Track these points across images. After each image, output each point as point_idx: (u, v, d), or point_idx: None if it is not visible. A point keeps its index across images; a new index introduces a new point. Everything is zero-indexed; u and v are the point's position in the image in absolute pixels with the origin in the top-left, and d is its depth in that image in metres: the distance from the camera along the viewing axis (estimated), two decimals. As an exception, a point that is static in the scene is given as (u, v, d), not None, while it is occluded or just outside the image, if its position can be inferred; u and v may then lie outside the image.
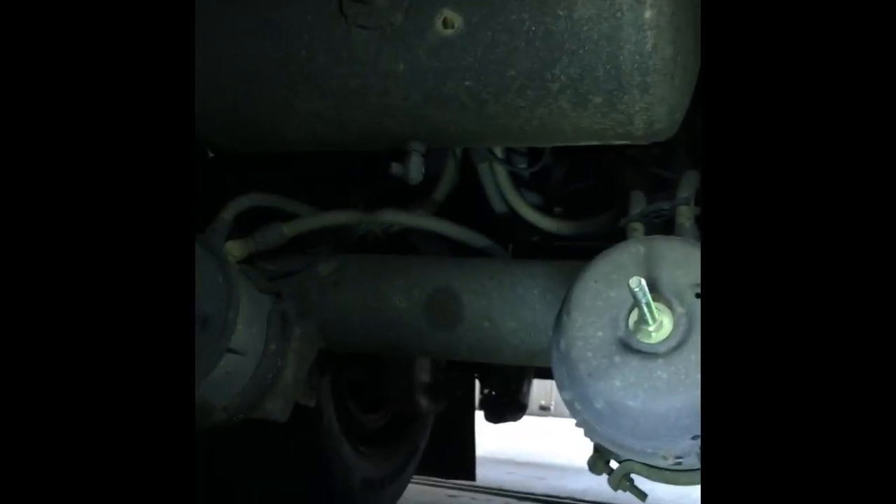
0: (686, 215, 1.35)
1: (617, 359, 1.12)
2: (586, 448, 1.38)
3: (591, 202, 1.97)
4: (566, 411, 1.25)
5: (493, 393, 2.87)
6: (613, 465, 1.34)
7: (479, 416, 3.38)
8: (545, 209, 1.94)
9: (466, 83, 1.28)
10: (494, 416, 2.85)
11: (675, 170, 1.67)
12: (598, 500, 4.29)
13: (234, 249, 1.59)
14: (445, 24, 1.25)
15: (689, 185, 1.41)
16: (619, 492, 1.35)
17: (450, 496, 4.13)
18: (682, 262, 1.15)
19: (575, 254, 1.59)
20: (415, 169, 1.42)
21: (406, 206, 1.85)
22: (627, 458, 1.28)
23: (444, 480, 4.05)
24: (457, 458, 3.45)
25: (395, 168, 1.43)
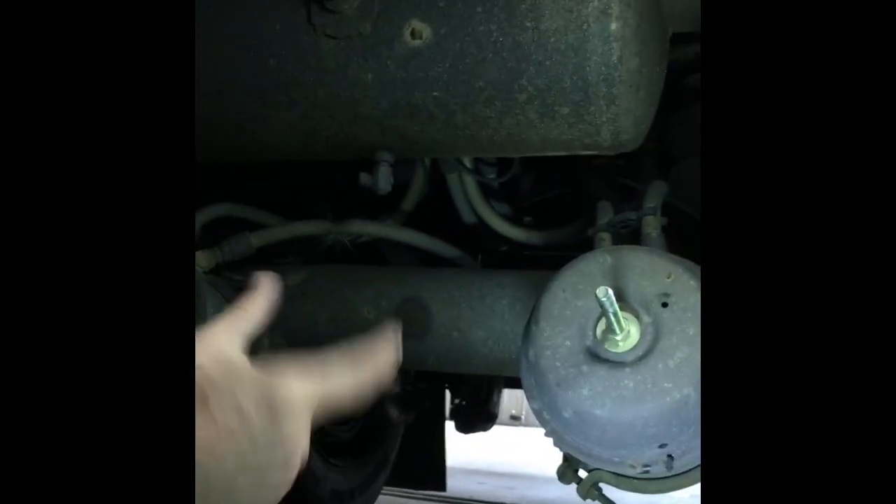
0: (653, 225, 1.36)
1: (585, 368, 1.13)
2: (556, 458, 1.38)
3: (559, 212, 1.99)
4: (537, 421, 1.25)
5: (464, 403, 2.87)
6: (582, 474, 1.35)
7: (450, 426, 3.38)
8: (514, 219, 1.95)
9: (435, 94, 1.28)
10: (465, 427, 2.85)
11: (642, 180, 1.69)
12: (568, 509, 4.31)
13: (202, 259, 1.58)
14: (414, 34, 1.25)
15: (655, 195, 1.43)
16: (588, 501, 1.35)
17: (420, 507, 4.11)
18: (649, 271, 1.16)
19: (543, 264, 1.60)
20: (383, 179, 1.42)
21: (375, 216, 1.85)
22: (596, 467, 1.28)
23: (414, 491, 4.03)
24: (427, 469, 3.44)
25: (364, 178, 1.43)
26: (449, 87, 1.27)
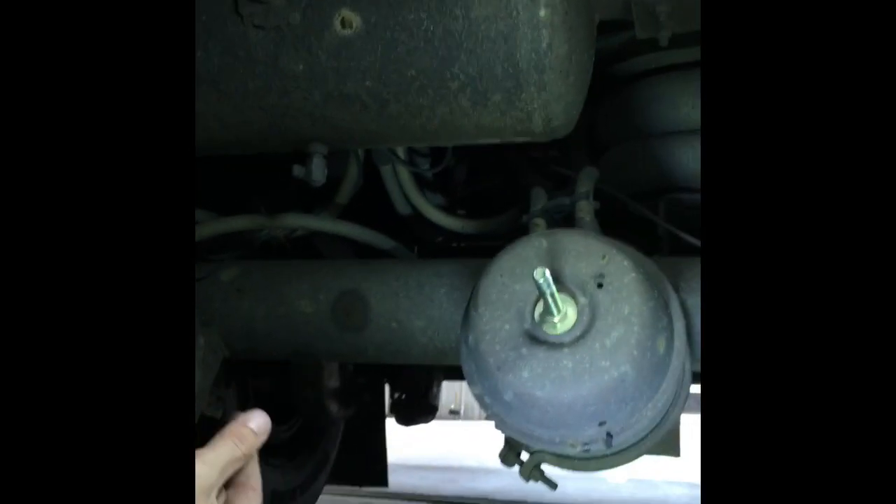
0: (586, 209, 1.39)
1: (524, 350, 1.14)
2: (495, 449, 1.40)
3: (492, 203, 2.01)
4: (475, 414, 1.27)
5: (403, 396, 2.87)
6: (525, 456, 1.36)
7: (390, 422, 3.38)
8: (449, 210, 1.96)
9: (367, 83, 1.28)
10: (405, 419, 2.85)
11: (574, 167, 1.71)
12: (509, 498, 4.35)
13: (132, 258, 1.54)
14: (344, 23, 1.24)
15: (587, 180, 1.45)
16: (529, 490, 1.37)
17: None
18: (584, 253, 1.18)
19: (479, 254, 1.61)
20: (317, 170, 1.41)
21: (309, 210, 1.84)
22: (537, 448, 1.30)
23: (356, 489, 4.02)
24: (369, 465, 3.44)
25: (297, 170, 1.42)
26: (381, 77, 1.27)
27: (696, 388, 1.48)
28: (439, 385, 2.96)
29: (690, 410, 1.41)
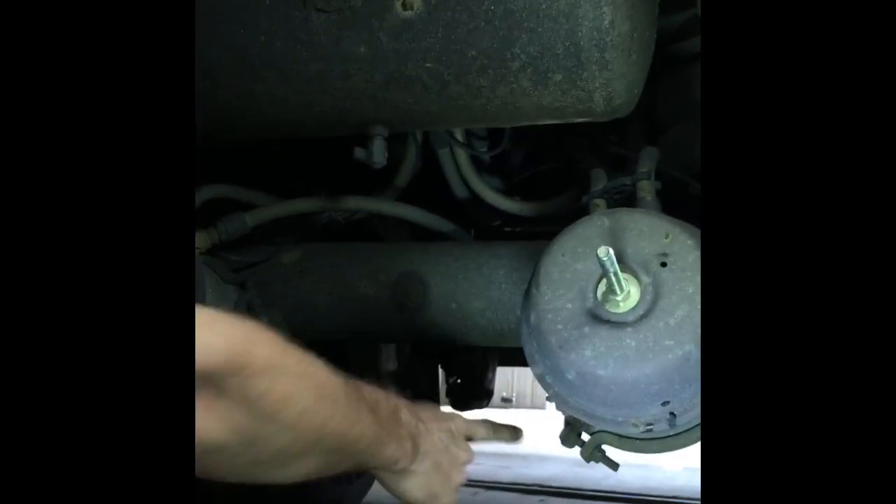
0: (647, 189, 1.38)
1: (587, 329, 1.14)
2: (549, 436, 1.39)
3: (550, 186, 2.00)
4: (527, 402, 1.28)
5: (458, 381, 2.88)
6: (585, 437, 1.36)
7: (445, 409, 3.39)
8: (506, 193, 1.96)
9: (427, 65, 1.28)
10: (461, 404, 2.86)
11: (633, 147, 1.70)
12: (563, 485, 4.35)
13: (198, 240, 1.58)
14: (405, 5, 1.25)
15: (648, 160, 1.44)
16: (584, 477, 1.37)
17: (417, 489, 4.13)
18: (647, 232, 1.17)
19: (536, 239, 1.61)
20: (378, 153, 1.42)
21: (369, 193, 1.85)
22: (599, 428, 1.30)
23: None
24: (423, 451, 3.46)
25: (359, 153, 1.44)
26: (442, 58, 1.27)
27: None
28: (494, 370, 2.96)
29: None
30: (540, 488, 4.24)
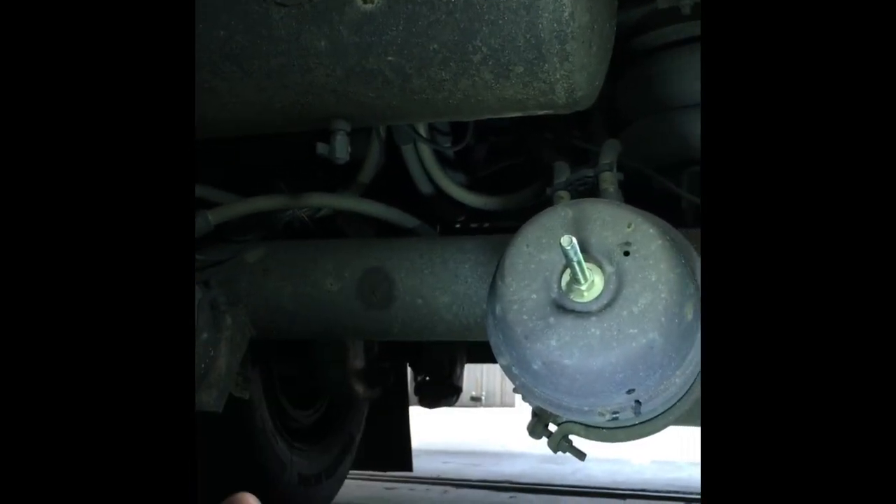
0: (609, 180, 1.39)
1: (552, 319, 1.14)
2: (518, 434, 1.40)
3: (514, 182, 2.00)
4: (496, 401, 1.27)
5: (427, 378, 2.88)
6: (552, 428, 1.37)
7: (413, 410, 3.39)
8: (471, 188, 1.96)
9: (389, 58, 1.28)
10: (430, 401, 2.86)
11: (596, 141, 1.71)
12: (533, 481, 4.37)
13: (159, 239, 1.55)
14: (365, -1, 1.24)
15: (610, 152, 1.45)
16: (553, 472, 1.37)
17: (387, 489, 4.13)
18: (610, 222, 1.18)
19: (502, 232, 1.61)
20: (340, 148, 1.41)
21: (333, 190, 1.85)
22: (566, 418, 1.30)
23: (381, 474, 4.04)
24: (393, 451, 3.46)
25: (321, 148, 1.43)
26: (403, 51, 1.27)
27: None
28: (462, 366, 2.97)
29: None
30: (510, 485, 4.26)
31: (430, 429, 7.52)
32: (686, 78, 1.75)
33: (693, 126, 1.74)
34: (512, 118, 1.68)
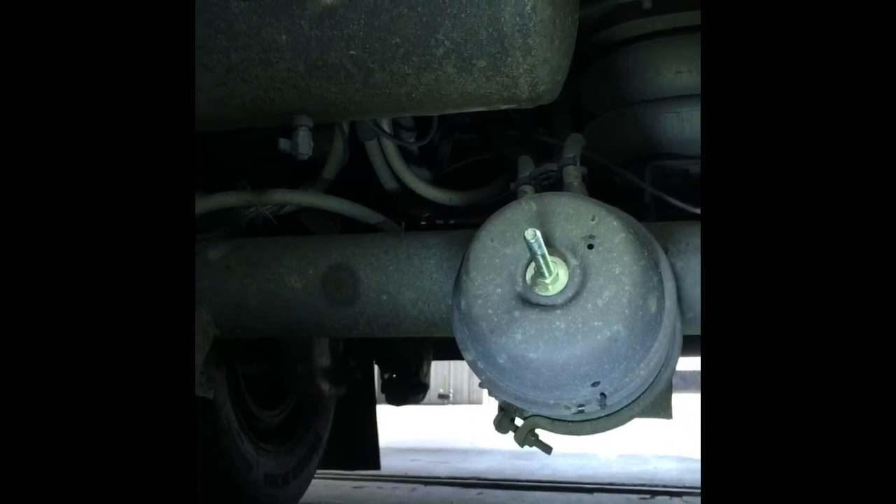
0: (573, 174, 1.39)
1: (517, 313, 1.14)
2: (486, 430, 1.39)
3: (479, 179, 2.00)
4: (464, 398, 1.27)
5: (394, 376, 2.87)
6: (519, 422, 1.37)
7: (381, 409, 3.38)
8: (436, 184, 1.95)
9: (351, 52, 1.27)
10: (396, 399, 2.86)
11: (560, 136, 1.71)
12: (502, 477, 4.38)
13: (119, 237, 1.53)
14: (326, -8, 1.23)
15: (573, 146, 1.45)
16: (521, 468, 1.38)
17: (355, 487, 4.11)
18: (574, 215, 1.18)
19: (468, 228, 1.61)
20: (303, 143, 1.40)
21: (296, 187, 1.83)
22: (532, 412, 1.31)
23: (348, 473, 4.03)
24: (361, 449, 3.44)
25: (283, 144, 1.41)
26: (365, 45, 1.26)
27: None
28: (429, 364, 2.96)
29: (679, 389, 1.42)
30: (478, 481, 4.26)
31: (398, 427, 7.51)
32: (648, 73, 1.76)
33: (654, 119, 1.75)
34: (477, 114, 1.68)
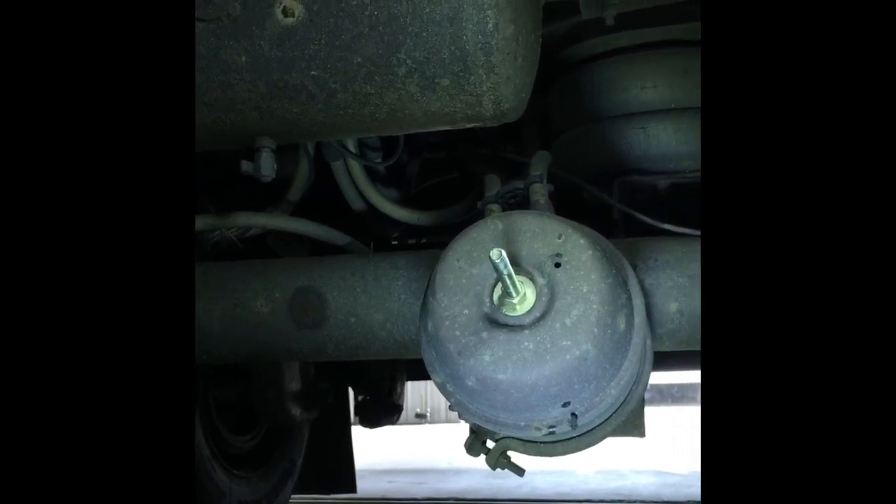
0: (540, 192, 1.38)
1: (485, 334, 1.13)
2: (464, 451, 1.38)
3: (447, 198, 1.99)
4: (441, 417, 1.25)
5: (368, 398, 2.84)
6: (490, 445, 1.35)
7: (356, 430, 3.34)
8: (404, 204, 1.94)
9: (312, 72, 1.25)
10: (370, 421, 2.82)
11: (528, 154, 1.70)
12: (479, 496, 4.35)
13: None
14: (286, 12, 1.22)
15: (540, 163, 1.45)
16: (498, 487, 1.36)
17: (331, 511, 4.06)
18: (540, 233, 1.17)
19: (436, 248, 1.59)
20: (266, 165, 1.38)
21: (261, 209, 1.81)
22: (503, 434, 1.29)
23: (324, 497, 3.97)
24: (337, 472, 3.40)
25: (246, 166, 1.39)
26: (327, 65, 1.24)
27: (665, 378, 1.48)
28: (403, 385, 2.94)
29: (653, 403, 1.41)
30: (456, 501, 4.22)
31: (375, 448, 7.44)
32: (614, 89, 1.77)
33: (621, 135, 1.75)
34: (445, 133, 1.67)
